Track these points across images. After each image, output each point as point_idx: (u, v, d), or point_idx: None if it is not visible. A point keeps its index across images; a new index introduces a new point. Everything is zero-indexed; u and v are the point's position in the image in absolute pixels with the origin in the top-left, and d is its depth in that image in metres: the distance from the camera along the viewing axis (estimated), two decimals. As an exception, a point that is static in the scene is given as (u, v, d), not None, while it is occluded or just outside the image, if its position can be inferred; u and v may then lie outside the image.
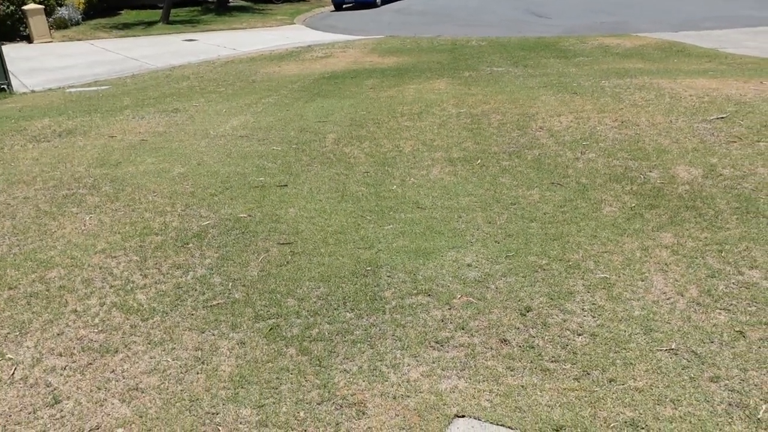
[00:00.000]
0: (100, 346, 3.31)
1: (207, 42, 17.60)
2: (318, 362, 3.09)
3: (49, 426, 2.77)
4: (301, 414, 2.75)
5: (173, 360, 3.17)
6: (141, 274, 4.03)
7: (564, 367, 2.96)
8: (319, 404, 2.81)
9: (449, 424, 2.66)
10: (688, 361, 2.94)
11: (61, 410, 2.86)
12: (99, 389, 2.98)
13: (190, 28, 21.27)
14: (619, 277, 3.70)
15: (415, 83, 9.53)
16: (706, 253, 3.91)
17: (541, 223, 4.45)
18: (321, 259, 4.10)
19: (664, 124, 6.45)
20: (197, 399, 2.88)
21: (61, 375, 3.10)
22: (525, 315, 3.37)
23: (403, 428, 2.64)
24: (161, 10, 22.83)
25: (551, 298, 3.51)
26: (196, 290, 3.81)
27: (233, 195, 5.25)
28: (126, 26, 21.63)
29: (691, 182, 4.99)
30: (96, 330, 3.45)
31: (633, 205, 4.66)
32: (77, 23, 21.32)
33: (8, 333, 3.47)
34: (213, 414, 2.78)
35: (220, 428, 2.70)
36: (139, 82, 11.52)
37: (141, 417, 2.79)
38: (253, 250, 4.28)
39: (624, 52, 11.75)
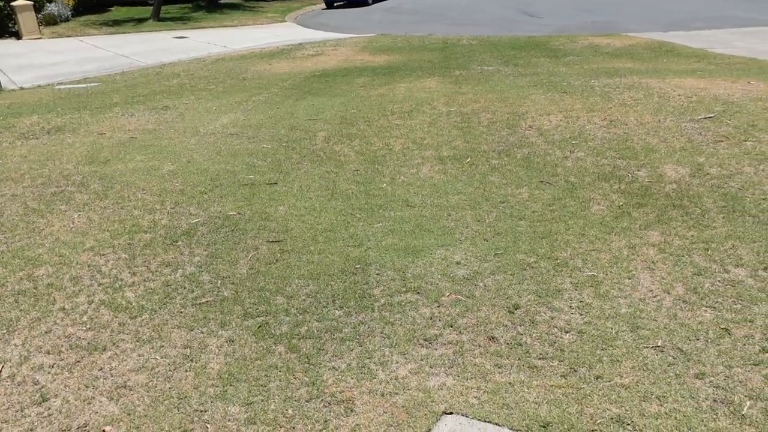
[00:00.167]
0: (88, 343, 3.30)
1: (197, 39, 17.54)
2: (307, 360, 3.10)
3: (36, 424, 2.76)
4: (290, 411, 2.76)
5: (162, 358, 3.17)
6: (130, 272, 4.02)
7: (551, 364, 2.98)
8: (307, 401, 2.81)
9: (437, 421, 2.67)
10: (674, 358, 2.97)
11: (49, 408, 2.85)
12: (87, 387, 2.98)
13: (180, 25, 21.19)
14: (607, 275, 3.72)
15: (405, 82, 9.55)
16: (692, 251, 3.95)
17: (529, 222, 4.47)
18: (310, 256, 4.11)
19: (652, 123, 6.49)
20: (185, 397, 2.88)
21: (49, 373, 3.09)
22: (513, 312, 3.39)
23: (391, 425, 2.65)
24: (151, 7, 22.73)
25: (539, 296, 3.53)
26: (185, 288, 3.80)
27: (223, 193, 5.25)
28: (116, 23, 21.52)
29: (678, 181, 5.03)
30: (84, 328, 3.45)
31: (621, 203, 4.69)
32: (67, 19, 21.19)
33: (-4, 331, 3.46)
34: (201, 411, 2.78)
35: (208, 426, 2.70)
36: (129, 80, 11.47)
37: (129, 415, 2.79)
38: (242, 248, 4.28)
39: (614, 51, 11.81)
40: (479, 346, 3.14)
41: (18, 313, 3.61)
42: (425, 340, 3.21)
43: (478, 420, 2.66)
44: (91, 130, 7.55)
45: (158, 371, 3.07)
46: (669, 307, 3.37)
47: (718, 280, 3.60)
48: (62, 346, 3.30)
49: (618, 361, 2.97)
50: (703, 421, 2.58)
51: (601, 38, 13.47)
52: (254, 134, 6.97)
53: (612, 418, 2.62)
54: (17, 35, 18.71)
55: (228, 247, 4.30)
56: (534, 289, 3.60)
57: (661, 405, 2.68)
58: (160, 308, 3.60)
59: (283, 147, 6.44)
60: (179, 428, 2.69)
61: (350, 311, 3.48)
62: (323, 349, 3.17)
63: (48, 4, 20.66)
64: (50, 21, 20.38)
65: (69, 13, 21.47)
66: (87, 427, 2.73)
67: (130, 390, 2.95)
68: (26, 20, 18.49)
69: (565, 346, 3.10)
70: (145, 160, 6.19)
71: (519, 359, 3.03)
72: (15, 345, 3.32)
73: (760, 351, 2.99)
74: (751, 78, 8.34)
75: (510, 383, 2.86)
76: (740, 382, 2.79)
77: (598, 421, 2.60)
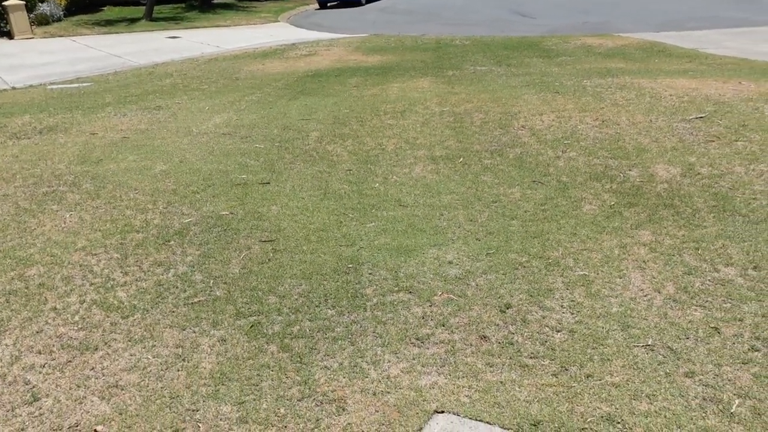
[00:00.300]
0: (80, 343, 3.30)
1: (190, 39, 17.50)
2: (299, 359, 3.10)
3: (27, 424, 2.76)
4: (282, 410, 2.76)
5: (153, 357, 3.17)
6: (122, 272, 4.02)
7: (542, 363, 3.00)
8: (299, 401, 2.82)
9: (428, 419, 2.68)
10: (664, 357, 2.99)
11: (40, 408, 2.85)
12: (78, 387, 2.97)
13: (173, 25, 21.14)
14: (598, 274, 3.74)
15: (398, 82, 9.56)
16: (683, 250, 3.97)
17: (521, 221, 4.48)
18: (303, 256, 4.11)
19: (644, 123, 6.52)
20: (177, 396, 2.88)
21: (40, 373, 3.09)
22: (505, 312, 3.41)
23: (383, 424, 2.66)
24: (144, 7, 22.66)
25: (531, 295, 3.55)
26: (177, 288, 3.80)
27: (215, 192, 5.24)
28: (109, 23, 21.45)
29: (669, 181, 5.05)
30: (76, 327, 3.44)
31: (612, 203, 4.71)
32: (59, 19, 21.11)
33: (-13, 331, 3.45)
34: (193, 411, 2.79)
35: (200, 425, 2.70)
36: (122, 80, 11.44)
37: (121, 414, 2.79)
38: (234, 247, 4.28)
39: (606, 51, 11.85)
40: (471, 345, 3.15)
41: (9, 313, 3.60)
42: (417, 339, 3.22)
43: (470, 419, 2.67)
44: (83, 129, 7.53)
45: (150, 371, 3.07)
46: (659, 306, 3.39)
47: (708, 280, 3.63)
48: (54, 345, 3.29)
49: (609, 359, 2.99)
50: (692, 419, 2.60)
51: (593, 38, 13.51)
52: (247, 134, 6.97)
53: (602, 417, 2.63)
54: (9, 35, 18.62)
55: (220, 246, 4.30)
56: (526, 289, 3.62)
57: (651, 403, 2.69)
58: (152, 308, 3.60)
59: (276, 147, 6.44)
60: (171, 428, 2.69)
61: (342, 311, 3.49)
62: (315, 349, 3.17)
63: (40, 4, 20.57)
64: (42, 21, 20.29)
65: (61, 12, 21.39)
66: (78, 427, 2.73)
67: (122, 389, 2.94)
68: (18, 20, 18.41)
69: (557, 345, 3.12)
70: (137, 160, 6.18)
71: (510, 358, 3.04)
72: (6, 345, 3.31)
73: (749, 350, 3.01)
74: (742, 78, 8.39)
75: (501, 382, 2.87)
76: (729, 380, 2.81)
77: (588, 420, 2.62)
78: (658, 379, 2.84)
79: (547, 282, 3.68)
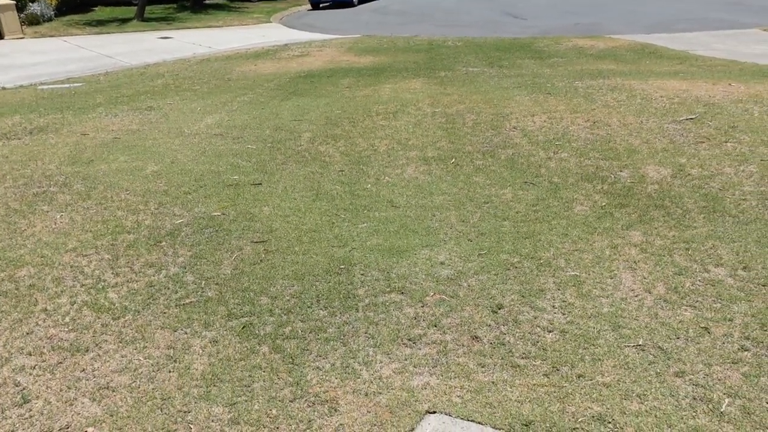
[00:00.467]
0: (71, 345, 3.28)
1: (182, 40, 17.45)
2: (291, 360, 3.10)
3: (17, 426, 2.74)
4: (274, 411, 2.76)
5: (145, 359, 3.16)
6: (113, 273, 4.01)
7: (534, 363, 3.01)
8: (291, 402, 2.82)
9: (420, 420, 2.68)
10: (655, 357, 3.00)
11: (30, 410, 2.83)
12: (69, 388, 2.96)
13: (165, 25, 21.07)
14: (589, 274, 3.76)
15: (390, 83, 9.56)
16: (673, 251, 3.99)
17: (513, 222, 4.50)
18: (295, 257, 4.11)
19: (635, 124, 6.55)
20: (169, 397, 2.87)
21: (31, 374, 3.07)
22: (496, 312, 3.41)
23: (375, 425, 2.66)
24: (136, 7, 22.59)
25: (522, 296, 3.56)
26: (168, 289, 3.79)
27: (207, 193, 5.23)
28: (100, 23, 21.36)
29: (660, 182, 5.08)
30: (66, 329, 3.42)
31: (603, 204, 4.73)
32: (50, 19, 21.00)
33: (-24, 332, 3.43)
34: (185, 412, 2.78)
35: (191, 426, 2.70)
36: (113, 80, 11.40)
37: (112, 416, 2.78)
38: (226, 248, 4.27)
39: (597, 53, 11.89)
40: (463, 345, 3.16)
41: (-1, 314, 3.58)
42: (409, 339, 3.22)
43: (461, 419, 2.68)
44: (74, 130, 7.50)
45: (141, 372, 3.06)
46: (650, 307, 3.41)
47: (699, 280, 3.65)
48: (44, 347, 3.27)
49: (600, 360, 3.00)
50: (682, 418, 2.61)
51: (585, 40, 13.56)
52: (239, 135, 6.95)
53: (593, 417, 2.64)
54: (-1, 35, 18.52)
55: (212, 247, 4.29)
56: (517, 289, 3.63)
57: (642, 403, 2.71)
58: (143, 309, 3.59)
59: (268, 147, 6.43)
60: (162, 429, 2.69)
61: (335, 311, 3.49)
62: (307, 350, 3.17)
63: (31, 4, 20.47)
64: (33, 21, 20.18)
65: (52, 12, 21.28)
66: (69, 429, 2.72)
67: (113, 391, 2.93)
68: (8, 20, 18.30)
69: (548, 345, 3.13)
70: (128, 161, 6.16)
71: (502, 358, 3.05)
72: (-4, 346, 3.30)
73: (738, 349, 3.03)
74: (731, 80, 8.44)
75: (493, 382, 2.88)
76: (719, 379, 2.83)
77: (579, 420, 2.63)
78: (649, 378, 2.86)
79: (538, 282, 3.69)
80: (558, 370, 2.95)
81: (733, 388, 2.77)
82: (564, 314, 3.37)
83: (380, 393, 2.85)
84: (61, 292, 3.80)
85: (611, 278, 3.71)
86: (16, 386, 2.99)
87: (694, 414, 2.63)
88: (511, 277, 3.77)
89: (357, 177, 5.53)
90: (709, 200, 4.69)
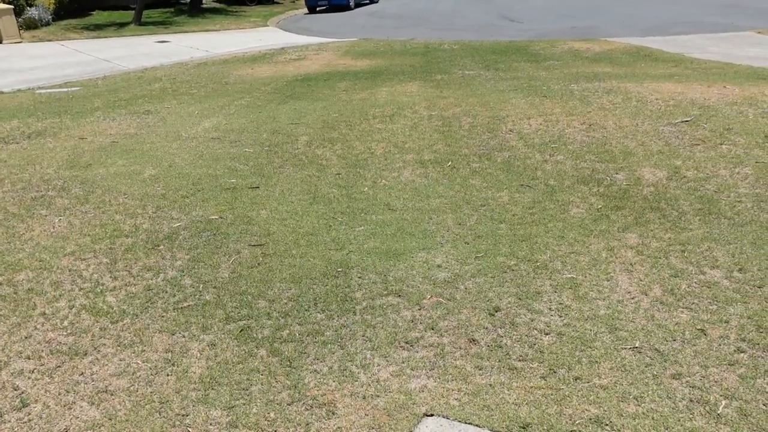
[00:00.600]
0: (69, 348, 3.29)
1: (180, 44, 17.47)
2: (288, 363, 3.11)
3: (16, 430, 2.75)
4: (272, 415, 2.77)
5: (143, 362, 3.17)
6: (111, 277, 4.01)
7: (531, 365, 3.02)
8: (289, 405, 2.83)
9: (418, 423, 2.69)
10: (652, 359, 3.02)
11: (29, 413, 2.84)
12: (68, 392, 2.96)
13: (162, 29, 21.09)
14: (586, 277, 3.77)
15: (387, 86, 9.58)
16: (669, 253, 4.01)
17: (510, 225, 4.51)
18: (292, 260, 4.12)
19: (630, 127, 6.58)
20: (167, 401, 2.88)
21: (29, 378, 3.08)
22: (493, 315, 3.43)
23: (373, 428, 2.67)
24: (133, 12, 22.60)
25: (519, 298, 3.57)
26: (166, 292, 3.80)
27: (205, 197, 5.24)
28: (97, 27, 21.36)
29: (655, 184, 5.10)
30: (65, 333, 3.43)
31: (599, 206, 4.75)
32: (47, 24, 21.00)
33: (-26, 337, 3.43)
34: (183, 416, 2.79)
35: (190, 430, 2.70)
36: (111, 84, 11.41)
37: (110, 419, 2.78)
38: (224, 251, 4.28)
39: (593, 56, 11.93)
40: (460, 348, 3.17)
41: (-3, 318, 3.58)
42: (406, 342, 3.23)
43: (459, 422, 2.69)
44: (72, 134, 7.51)
45: (140, 376, 3.07)
46: (646, 309, 3.43)
47: (695, 282, 3.66)
48: (42, 351, 3.28)
49: (597, 362, 3.02)
50: (679, 420, 2.62)
51: (580, 43, 13.60)
52: (236, 138, 6.97)
53: (591, 419, 2.65)
54: (-4, 39, 18.51)
55: (210, 251, 4.30)
56: (514, 292, 3.64)
57: (639, 405, 2.72)
58: (141, 312, 3.60)
59: (265, 151, 6.45)
60: (161, 432, 2.69)
61: (332, 314, 3.50)
62: (305, 353, 3.18)
63: (29, 8, 20.48)
64: (31, 25, 20.19)
65: (50, 17, 21.28)
66: (68, 433, 2.72)
67: (112, 395, 2.94)
68: (6, 24, 18.31)
69: (545, 347, 3.14)
70: (126, 165, 6.17)
71: (499, 361, 3.06)
72: (-6, 351, 3.30)
73: (735, 351, 3.04)
74: (726, 82, 8.47)
75: (490, 385, 2.89)
76: (716, 381, 2.84)
77: (576, 422, 2.64)
78: (646, 381, 2.87)
79: (535, 285, 3.71)
80: (555, 372, 2.96)
81: (730, 390, 2.78)
82: (561, 317, 3.39)
83: (378, 396, 2.86)
84: (60, 295, 3.81)
85: (608, 280, 3.73)
86: (15, 390, 2.99)
87: (691, 416, 2.65)
88: (508, 279, 3.78)
89: (354, 180, 5.54)
90: (704, 202, 4.71)
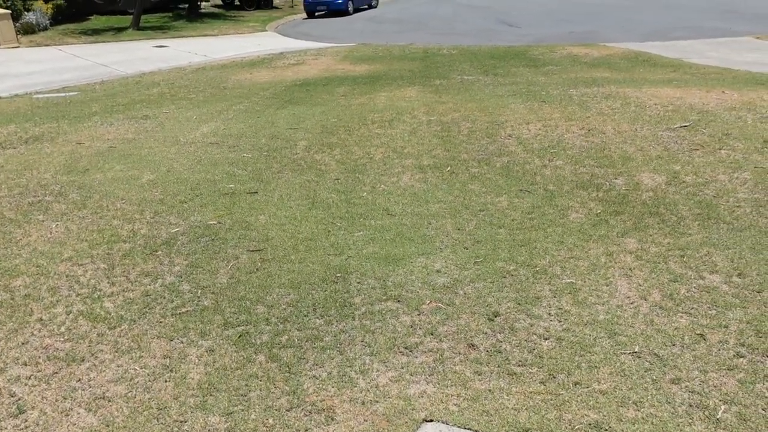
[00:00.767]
0: (66, 354, 3.28)
1: (178, 48, 17.48)
2: (287, 369, 3.09)
3: (13, 436, 2.73)
4: (270, 421, 2.76)
5: (141, 368, 3.15)
6: (108, 282, 4.00)
7: (530, 371, 3.01)
8: (288, 411, 2.81)
9: (417, 428, 2.68)
10: (651, 364, 3.01)
11: (26, 420, 2.82)
12: (65, 399, 2.95)
13: (160, 34, 21.10)
14: (585, 282, 3.77)
15: (386, 91, 9.59)
16: (668, 258, 4.00)
17: (509, 230, 4.51)
18: (291, 265, 4.11)
19: (629, 132, 6.58)
20: (165, 407, 2.87)
21: (26, 385, 3.06)
22: (493, 320, 3.42)
23: (372, 433, 2.66)
24: (131, 16, 22.62)
25: (518, 304, 3.56)
26: (164, 298, 3.79)
27: (203, 202, 5.23)
28: (95, 32, 21.37)
29: (654, 189, 5.10)
30: (62, 339, 3.42)
31: (599, 211, 4.75)
32: (45, 28, 20.99)
33: (-29, 342, 3.41)
34: (181, 422, 2.77)
35: (188, 436, 2.69)
36: (109, 89, 11.40)
37: (108, 426, 2.77)
38: (222, 257, 4.27)
39: (592, 61, 11.95)
40: (459, 353, 3.16)
41: (-6, 324, 3.57)
42: (406, 348, 3.22)
43: (458, 427, 2.68)
44: (70, 139, 7.50)
45: (137, 382, 3.05)
46: (646, 314, 3.42)
47: (694, 287, 3.66)
48: (39, 357, 3.26)
49: (596, 367, 3.01)
50: (679, 425, 2.62)
51: (579, 48, 13.63)
52: (235, 143, 6.96)
53: (590, 424, 2.65)
54: (-6, 44, 18.51)
55: (208, 256, 4.28)
56: (513, 297, 3.63)
57: (638, 410, 2.71)
58: (139, 318, 3.58)
59: (264, 156, 6.44)
60: (158, 439, 2.68)
61: (331, 320, 3.48)
62: (304, 358, 3.17)
63: (26, 13, 20.47)
64: (28, 30, 20.18)
65: (47, 22, 21.27)
66: (65, 439, 2.71)
67: (109, 401, 2.93)
68: (3, 29, 18.30)
69: (544, 352, 3.13)
70: (124, 170, 6.16)
71: (498, 366, 3.05)
72: (-9, 357, 3.28)
73: (734, 356, 3.04)
74: (725, 87, 8.49)
75: (490, 390, 2.88)
76: (715, 386, 2.84)
77: (576, 427, 2.63)
78: (645, 385, 2.86)
79: (534, 290, 3.70)
80: (554, 377, 2.95)
81: (729, 395, 2.78)
82: (560, 322, 3.38)
83: (377, 401, 2.85)
84: (57, 301, 3.79)
85: (607, 285, 3.72)
86: (12, 397, 2.98)
87: (690, 421, 2.64)
88: (507, 284, 3.77)
89: (353, 185, 5.54)
90: (703, 207, 4.71)
